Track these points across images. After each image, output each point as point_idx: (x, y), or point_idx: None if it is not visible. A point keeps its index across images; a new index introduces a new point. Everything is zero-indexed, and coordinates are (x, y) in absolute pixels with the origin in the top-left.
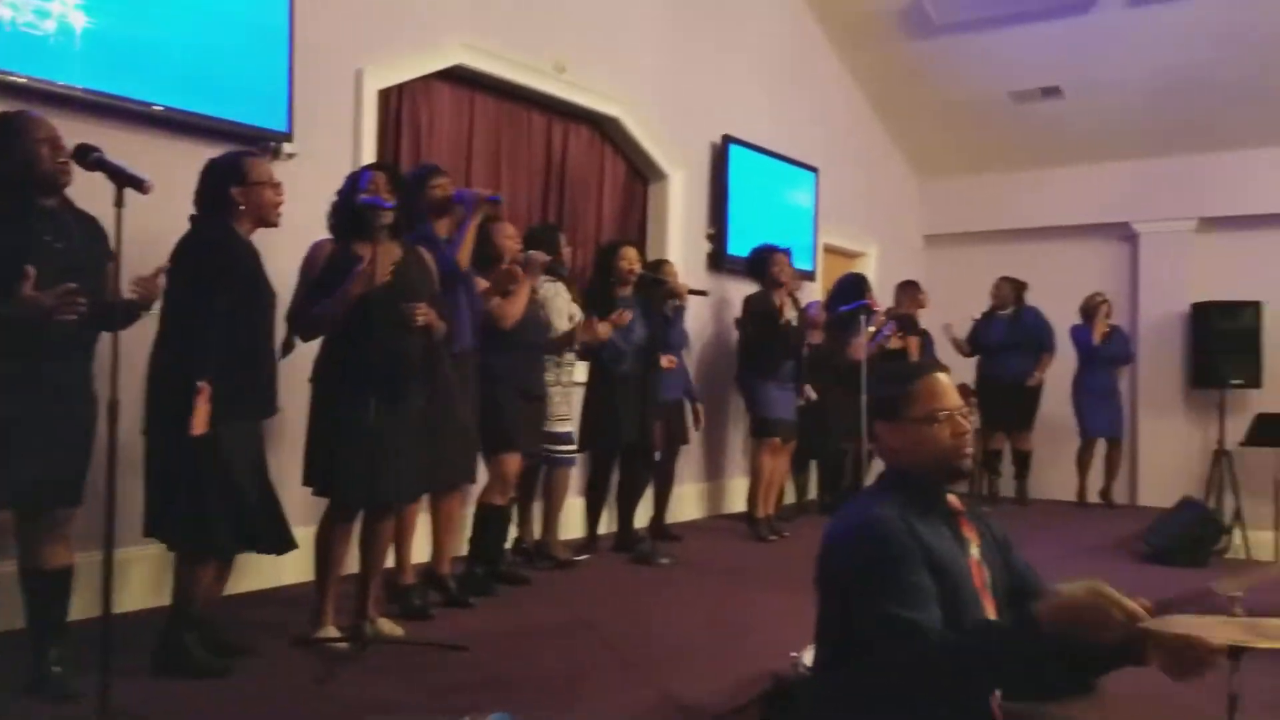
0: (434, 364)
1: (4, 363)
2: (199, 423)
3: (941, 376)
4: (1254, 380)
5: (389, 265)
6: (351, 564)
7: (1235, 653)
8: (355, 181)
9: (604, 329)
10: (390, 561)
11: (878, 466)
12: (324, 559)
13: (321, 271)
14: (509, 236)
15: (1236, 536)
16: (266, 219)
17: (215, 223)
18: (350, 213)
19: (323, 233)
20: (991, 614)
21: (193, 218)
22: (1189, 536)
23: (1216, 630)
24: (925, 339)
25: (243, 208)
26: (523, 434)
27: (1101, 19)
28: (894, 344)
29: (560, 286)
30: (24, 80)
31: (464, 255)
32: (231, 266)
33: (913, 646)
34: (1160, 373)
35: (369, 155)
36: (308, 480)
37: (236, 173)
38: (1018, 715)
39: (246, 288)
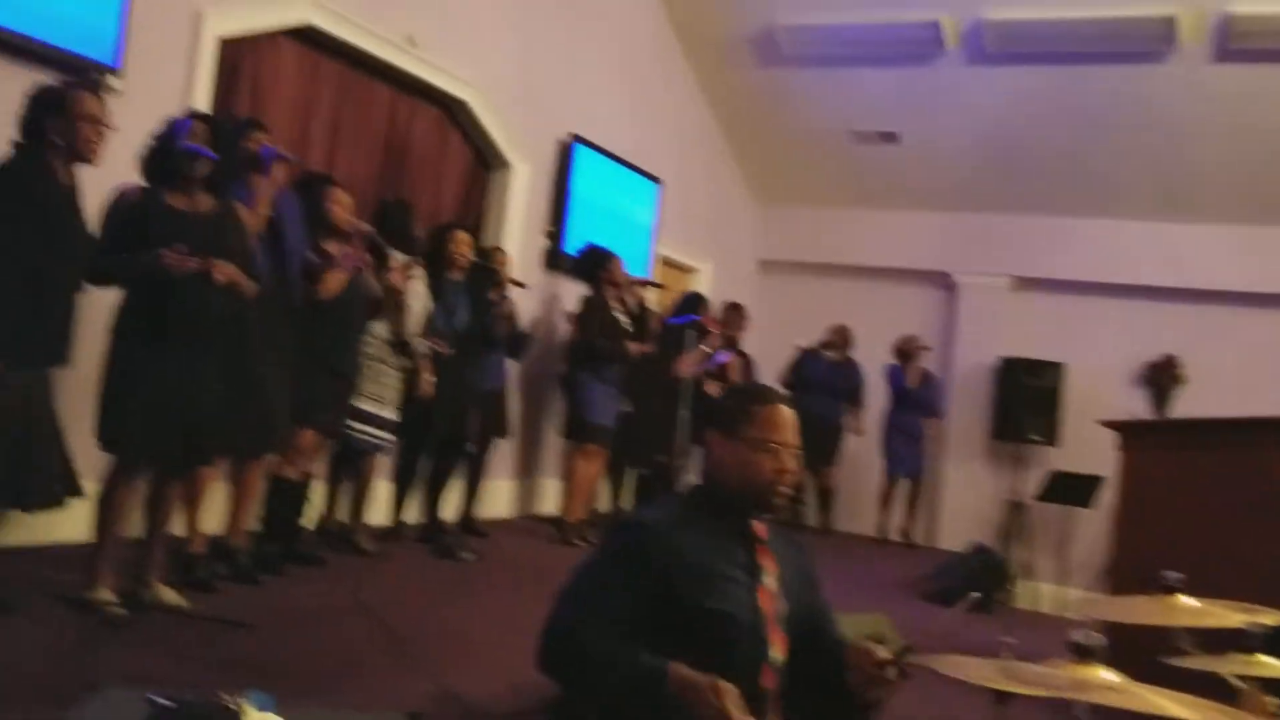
0: (242, 324)
1: None
2: None
3: (786, 410)
4: (1051, 438)
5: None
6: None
7: (1003, 697)
8: (174, 127)
9: None
10: (181, 529)
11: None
12: (105, 516)
13: (125, 219)
14: (337, 202)
15: (1021, 587)
16: (83, 156)
17: (30, 155)
18: (165, 159)
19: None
20: (778, 647)
21: (14, 144)
22: (974, 580)
23: (980, 671)
24: (747, 361)
25: (59, 142)
26: (321, 409)
27: (941, 73)
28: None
29: (420, 271)
30: None
31: (259, 212)
32: (34, 204)
33: (568, 637)
34: (967, 421)
35: (202, 104)
36: (97, 434)
37: (56, 105)
38: None
39: (45, 227)
